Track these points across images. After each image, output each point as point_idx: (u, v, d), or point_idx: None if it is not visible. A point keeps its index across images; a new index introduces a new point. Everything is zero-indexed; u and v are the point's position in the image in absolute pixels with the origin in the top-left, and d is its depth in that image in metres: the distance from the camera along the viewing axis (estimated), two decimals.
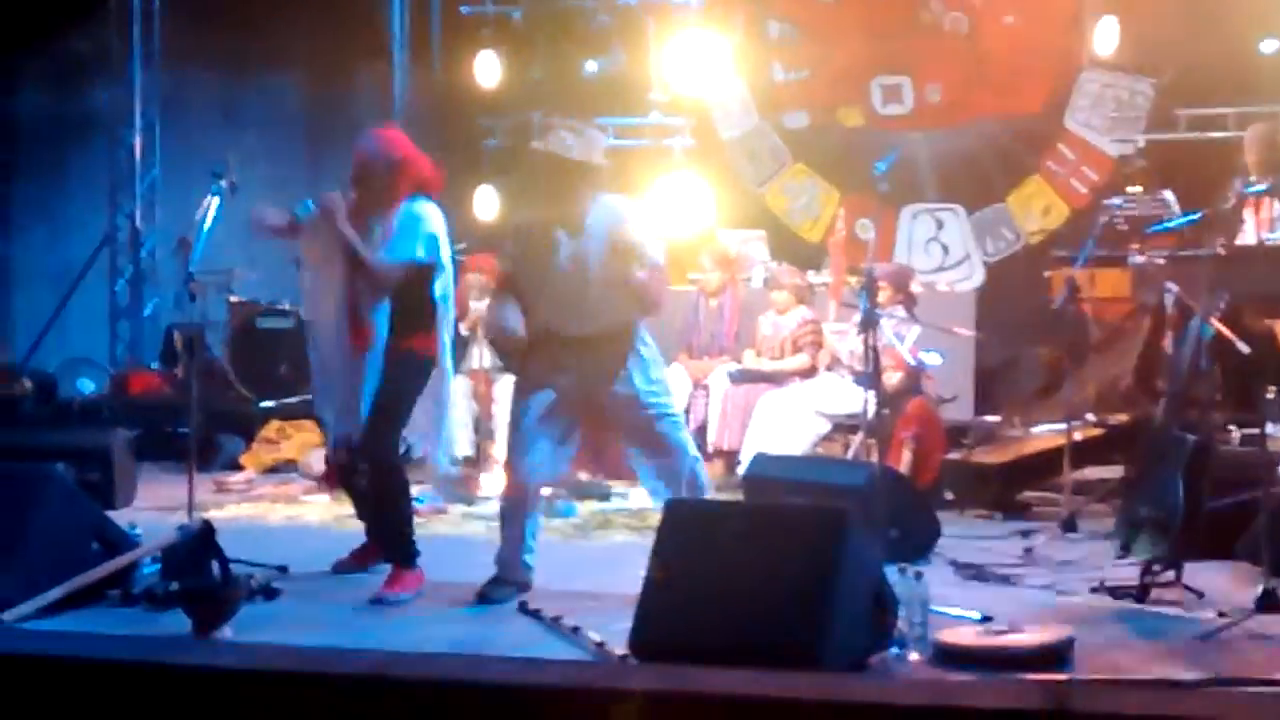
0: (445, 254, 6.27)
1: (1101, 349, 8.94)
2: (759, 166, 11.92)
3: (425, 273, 6.15)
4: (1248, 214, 8.25)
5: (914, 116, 11.51)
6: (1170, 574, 5.95)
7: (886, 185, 7.64)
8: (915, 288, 9.21)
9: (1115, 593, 5.96)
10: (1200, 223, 7.96)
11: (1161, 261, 7.88)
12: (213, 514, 7.40)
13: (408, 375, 6.16)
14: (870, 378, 6.69)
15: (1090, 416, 8.57)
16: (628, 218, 6.00)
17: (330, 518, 8.10)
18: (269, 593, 5.98)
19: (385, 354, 6.11)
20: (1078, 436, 7.85)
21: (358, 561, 6.60)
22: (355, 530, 6.81)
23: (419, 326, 6.17)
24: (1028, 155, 11.31)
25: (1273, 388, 7.71)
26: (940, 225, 11.45)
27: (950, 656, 4.97)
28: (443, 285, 6.24)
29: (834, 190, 11.63)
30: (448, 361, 6.35)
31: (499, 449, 8.87)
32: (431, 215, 6.17)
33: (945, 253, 11.40)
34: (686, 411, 9.12)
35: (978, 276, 11.17)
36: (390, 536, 6.25)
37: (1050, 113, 11.23)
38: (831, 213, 11.52)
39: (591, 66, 11.96)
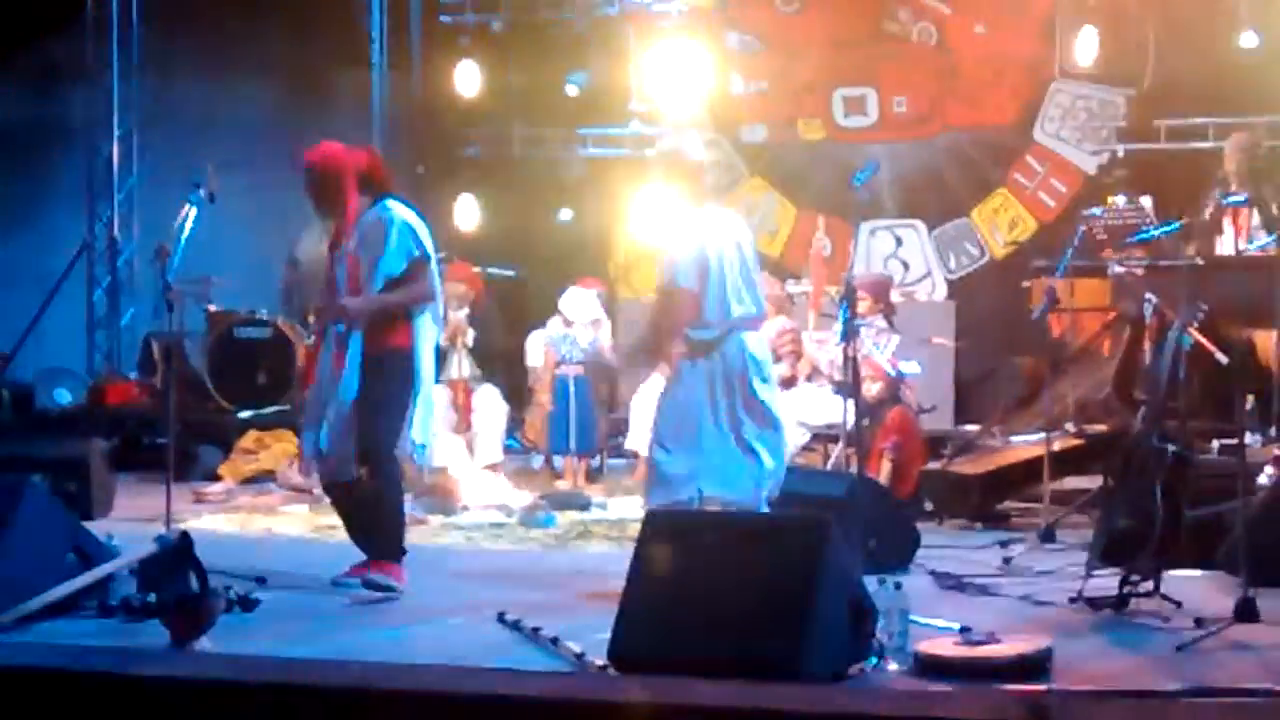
0: (427, 241, 6.34)
1: (1080, 359, 8.96)
2: (716, 180, 11.83)
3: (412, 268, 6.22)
4: (1226, 224, 8.27)
5: (878, 129, 11.48)
6: (1149, 584, 5.96)
7: (866, 195, 7.64)
8: (895, 297, 9.21)
9: (1094, 603, 5.97)
10: (1179, 232, 7.97)
11: (1140, 271, 7.89)
12: (190, 524, 7.36)
13: (393, 375, 6.19)
14: (850, 388, 6.69)
15: (1069, 427, 8.58)
16: (743, 228, 6.69)
17: (308, 528, 8.07)
18: (247, 604, 5.95)
19: (364, 356, 6.14)
20: (1057, 447, 7.86)
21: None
22: (333, 541, 6.78)
23: (395, 322, 6.20)
24: (994, 168, 11.27)
25: (1250, 397, 7.75)
26: (899, 242, 11.42)
27: (929, 667, 4.97)
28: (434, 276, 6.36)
29: (791, 205, 11.61)
30: (425, 350, 6.37)
31: (477, 459, 8.86)
32: (398, 209, 6.26)
33: (905, 269, 11.37)
34: None
35: (940, 294, 11.16)
36: (382, 530, 6.23)
37: (1020, 124, 11.20)
38: (789, 228, 11.50)
39: (572, 77, 11.95)
